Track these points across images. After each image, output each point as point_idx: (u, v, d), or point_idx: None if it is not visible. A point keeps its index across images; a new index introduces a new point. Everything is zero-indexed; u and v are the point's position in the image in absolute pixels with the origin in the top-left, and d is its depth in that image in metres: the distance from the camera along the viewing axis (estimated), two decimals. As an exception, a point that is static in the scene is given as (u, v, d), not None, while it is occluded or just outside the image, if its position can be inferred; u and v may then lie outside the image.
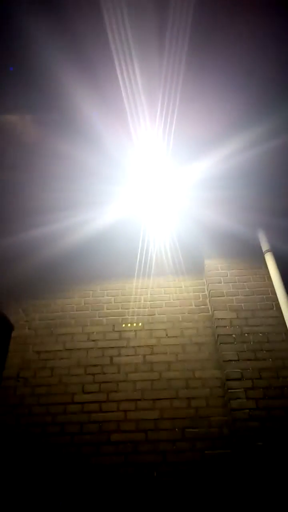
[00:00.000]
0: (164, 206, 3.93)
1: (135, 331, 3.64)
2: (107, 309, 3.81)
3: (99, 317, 3.75)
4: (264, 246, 3.88)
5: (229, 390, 3.02)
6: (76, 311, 3.79)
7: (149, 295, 3.91)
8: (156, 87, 2.60)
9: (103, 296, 3.91)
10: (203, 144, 3.23)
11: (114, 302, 3.87)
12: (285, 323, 3.35)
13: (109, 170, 3.30)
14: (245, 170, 3.34)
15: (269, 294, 3.62)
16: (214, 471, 2.79)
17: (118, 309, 3.81)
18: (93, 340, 3.57)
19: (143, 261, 4.17)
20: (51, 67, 2.68)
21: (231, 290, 3.69)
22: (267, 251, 3.82)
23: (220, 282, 3.77)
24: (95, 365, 3.40)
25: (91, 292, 3.95)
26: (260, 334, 3.33)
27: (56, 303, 3.86)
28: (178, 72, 2.63)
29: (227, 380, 3.08)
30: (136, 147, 3.09)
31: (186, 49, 2.47)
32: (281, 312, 3.44)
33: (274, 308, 3.50)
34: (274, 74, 2.61)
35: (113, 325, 3.68)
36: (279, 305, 3.48)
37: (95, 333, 3.63)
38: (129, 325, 3.67)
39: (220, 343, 3.31)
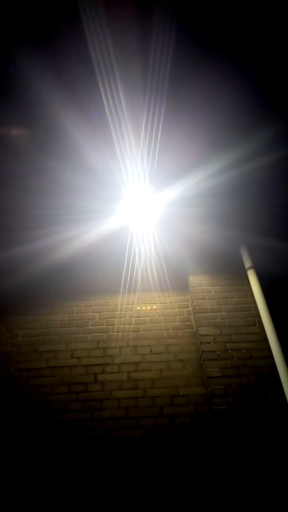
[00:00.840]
0: (149, 223, 3.98)
1: (120, 347, 3.63)
2: (92, 326, 3.79)
3: (83, 333, 3.72)
4: (247, 263, 3.96)
5: (213, 408, 3.03)
6: (60, 327, 3.76)
7: (134, 311, 3.92)
8: (140, 107, 2.67)
9: (88, 312, 3.90)
10: (187, 163, 3.31)
11: (99, 319, 3.86)
12: (267, 339, 3.41)
13: (94, 186, 3.34)
14: (228, 188, 3.44)
15: (251, 311, 3.68)
16: (198, 488, 2.77)
17: (103, 325, 3.80)
18: (77, 357, 3.54)
19: (128, 277, 4.19)
20: (34, 84, 2.71)
21: (215, 306, 3.74)
22: (250, 267, 3.90)
23: (204, 299, 3.81)
24: (78, 383, 3.36)
25: (75, 308, 3.93)
26: (243, 351, 3.38)
27: (39, 319, 3.82)
28: (162, 93, 2.71)
29: (211, 397, 3.09)
30: (121, 165, 3.15)
31: (168, 74, 2.56)
32: (263, 329, 3.49)
33: (257, 325, 3.56)
34: (252, 102, 2.74)
35: (98, 342, 3.67)
36: (262, 322, 3.54)
37: (79, 350, 3.60)
38: (113, 342, 3.66)
39: (204, 360, 3.33)
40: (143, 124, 2.75)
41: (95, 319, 3.85)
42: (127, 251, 4.23)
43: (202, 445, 2.98)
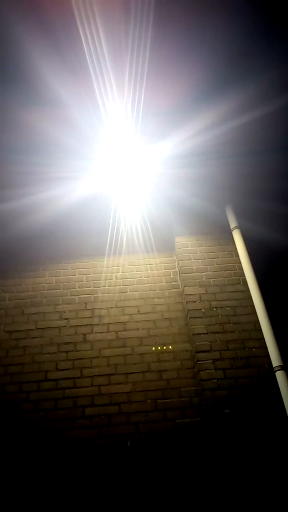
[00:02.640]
0: (134, 183, 3.91)
1: (108, 308, 3.68)
2: (79, 288, 3.82)
3: (71, 295, 3.75)
4: (232, 223, 3.98)
5: (198, 362, 3.15)
6: (48, 290, 3.77)
7: (120, 273, 3.95)
8: (123, 54, 2.51)
9: (75, 275, 3.91)
10: (172, 119, 3.19)
11: (86, 281, 3.87)
12: (251, 297, 3.50)
13: (77, 143, 3.20)
14: (214, 147, 3.36)
15: (236, 270, 3.75)
16: (185, 438, 2.94)
17: (90, 287, 3.83)
18: (66, 319, 3.59)
19: (114, 239, 4.18)
20: (9, 27, 2.49)
21: (201, 266, 3.79)
22: (235, 227, 3.93)
23: (190, 259, 3.85)
24: (68, 343, 3.43)
25: (62, 271, 3.93)
26: (228, 308, 3.47)
27: (26, 282, 3.81)
28: (145, 39, 2.55)
29: (197, 352, 3.21)
30: (104, 120, 3.00)
31: (152, 16, 2.39)
32: (248, 287, 3.58)
33: (241, 283, 3.64)
34: (244, 46, 2.59)
35: (86, 303, 3.71)
36: (246, 280, 3.62)
37: (67, 311, 3.64)
38: (101, 303, 3.70)
39: (190, 318, 3.42)
40: (127, 75, 2.60)
41: (82, 281, 3.87)
42: (112, 212, 4.18)
43: (188, 397, 3.13)
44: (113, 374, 3.27)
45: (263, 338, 3.26)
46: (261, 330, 3.31)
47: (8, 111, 2.81)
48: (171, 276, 3.93)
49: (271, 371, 3.09)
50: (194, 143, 3.29)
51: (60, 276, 3.89)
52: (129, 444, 2.92)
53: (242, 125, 3.13)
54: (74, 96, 2.76)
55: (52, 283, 3.82)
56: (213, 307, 3.49)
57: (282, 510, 2.48)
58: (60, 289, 3.79)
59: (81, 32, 2.39)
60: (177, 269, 3.97)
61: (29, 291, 3.75)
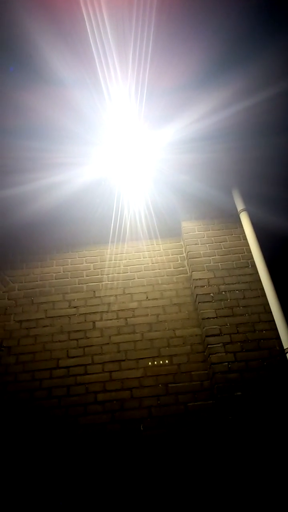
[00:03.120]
0: (137, 169, 3.86)
1: (116, 295, 3.68)
2: (87, 276, 3.82)
3: (79, 284, 3.76)
4: (239, 205, 3.92)
5: (208, 346, 3.15)
6: (56, 279, 3.78)
7: (127, 260, 3.94)
8: (126, 35, 2.44)
9: (82, 263, 3.91)
10: (176, 103, 3.12)
11: (93, 269, 3.87)
12: (260, 279, 3.47)
13: (80, 128, 3.14)
14: (218, 131, 3.28)
15: (244, 253, 3.71)
16: (197, 421, 2.97)
17: (98, 275, 3.83)
18: (75, 307, 3.60)
19: (121, 226, 4.15)
20: (9, 4, 2.42)
21: (208, 250, 3.75)
22: (242, 210, 3.87)
23: (197, 244, 3.82)
24: (78, 331, 3.45)
25: (69, 259, 3.93)
26: (237, 291, 3.45)
27: (34, 272, 3.83)
28: (150, 20, 2.46)
29: (207, 336, 3.21)
30: (107, 104, 2.94)
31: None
32: (256, 269, 3.55)
33: (250, 266, 3.61)
34: (249, 28, 2.49)
35: (94, 291, 3.71)
36: (254, 263, 3.58)
37: (76, 300, 3.65)
38: (109, 290, 3.71)
39: (199, 302, 3.41)
40: (130, 56, 2.53)
41: (89, 269, 3.87)
42: (116, 199, 4.15)
43: (199, 381, 3.14)
44: (124, 360, 3.29)
45: (273, 320, 3.24)
46: (271, 312, 3.28)
47: (9, 92, 2.75)
48: (179, 261, 3.91)
49: (282, 352, 3.07)
50: (198, 127, 3.21)
51: (68, 265, 3.89)
52: (141, 428, 2.95)
53: (246, 108, 3.04)
54: (77, 78, 2.70)
55: (60, 272, 3.83)
56: (222, 291, 3.47)
57: (296, 489, 2.49)
58: (68, 278, 3.80)
59: (84, 11, 2.31)
60: (184, 254, 3.94)
61: (37, 281, 3.77)
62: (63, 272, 3.84)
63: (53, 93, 2.79)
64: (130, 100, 2.87)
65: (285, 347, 3.05)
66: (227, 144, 3.56)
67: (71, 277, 3.80)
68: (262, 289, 3.43)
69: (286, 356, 3.03)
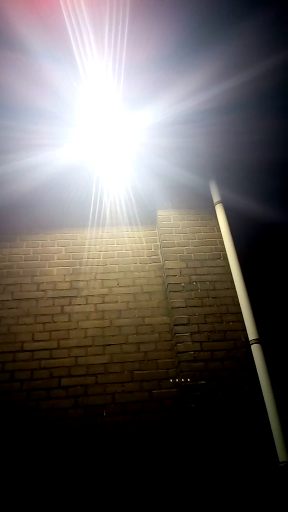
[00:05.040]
0: (117, 152, 3.78)
1: (87, 281, 3.62)
2: (58, 259, 3.73)
3: (49, 267, 3.67)
4: (215, 197, 3.93)
5: (176, 334, 3.16)
6: (25, 261, 3.67)
7: (101, 246, 3.87)
8: (102, 9, 2.32)
9: (53, 246, 3.81)
10: (155, 83, 3.02)
11: (65, 252, 3.79)
12: (231, 272, 3.50)
13: (55, 108, 3.02)
14: (198, 115, 3.23)
15: (217, 245, 3.73)
16: (160, 407, 2.98)
17: (69, 259, 3.75)
18: (43, 290, 3.52)
19: (95, 211, 4.07)
20: None
21: (182, 240, 3.75)
22: (218, 202, 3.88)
23: (171, 233, 3.80)
24: (45, 314, 3.38)
25: (40, 242, 3.82)
26: (207, 282, 3.47)
27: (2, 252, 3.70)
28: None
29: (175, 325, 3.21)
30: (83, 82, 2.83)
31: None
32: (228, 262, 3.57)
33: (222, 258, 3.63)
34: (230, 5, 2.42)
35: (64, 275, 3.63)
36: (226, 255, 3.61)
37: (44, 283, 3.56)
38: (80, 275, 3.64)
39: (170, 291, 3.41)
40: (106, 33, 2.43)
41: (61, 252, 3.78)
42: (94, 183, 4.06)
43: (164, 369, 3.15)
44: (91, 346, 3.25)
45: (240, 312, 3.28)
46: (239, 304, 3.33)
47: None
48: (152, 249, 3.89)
49: (247, 344, 3.13)
50: (178, 110, 3.15)
51: (38, 247, 3.78)
52: (104, 414, 2.94)
53: (226, 90, 3.00)
54: (50, 54, 2.56)
55: (29, 254, 3.72)
56: (193, 281, 3.48)
57: (251, 474, 2.56)
58: (37, 260, 3.69)
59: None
60: (158, 243, 3.92)
61: (5, 261, 3.65)
62: (33, 254, 3.73)
63: (24, 69, 2.65)
64: (107, 79, 2.76)
65: (250, 339, 3.10)
66: (206, 129, 3.50)
67: (41, 260, 3.70)
68: (232, 281, 3.46)
69: (251, 348, 3.08)
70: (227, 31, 2.59)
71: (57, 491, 2.61)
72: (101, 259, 3.78)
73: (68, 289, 3.55)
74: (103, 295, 3.55)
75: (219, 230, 3.81)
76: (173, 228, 3.84)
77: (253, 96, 3.12)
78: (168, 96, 3.00)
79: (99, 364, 3.16)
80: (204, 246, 3.72)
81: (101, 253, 3.83)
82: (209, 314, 3.29)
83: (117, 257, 3.81)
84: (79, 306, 3.46)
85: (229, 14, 2.48)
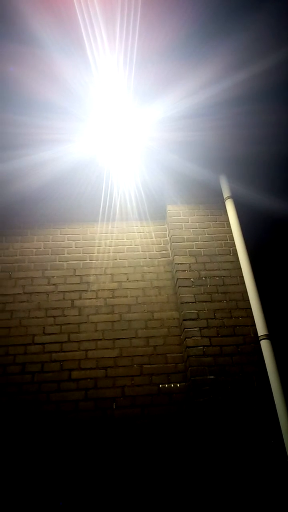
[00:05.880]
0: (127, 147, 3.77)
1: (97, 275, 3.65)
2: (68, 254, 3.76)
3: (59, 261, 3.70)
4: (225, 192, 3.91)
5: (185, 329, 3.18)
6: (36, 255, 3.71)
7: (111, 240, 3.89)
8: (114, 4, 2.31)
9: (64, 241, 3.84)
10: (165, 78, 2.99)
11: (75, 247, 3.82)
12: (240, 267, 3.50)
13: (66, 102, 3.02)
14: (209, 109, 3.20)
15: (227, 240, 3.72)
16: (169, 401, 3.01)
17: (80, 253, 3.78)
18: (54, 284, 3.56)
19: (105, 205, 4.09)
20: None
21: (192, 236, 3.75)
22: (228, 197, 3.86)
23: (181, 228, 3.80)
24: (55, 308, 3.42)
25: (51, 236, 3.86)
26: (217, 278, 3.47)
27: (14, 246, 3.75)
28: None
29: (184, 320, 3.23)
30: (95, 77, 2.82)
31: None
32: (237, 257, 3.56)
33: (231, 254, 3.62)
34: None
35: (74, 270, 3.67)
36: (236, 251, 3.60)
37: (55, 277, 3.60)
38: (90, 269, 3.67)
39: (179, 287, 3.42)
40: (118, 28, 2.41)
41: (71, 247, 3.81)
42: (104, 178, 4.06)
43: (173, 363, 3.18)
44: (101, 340, 3.29)
45: (250, 308, 3.28)
46: (248, 300, 3.33)
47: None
48: (162, 244, 3.89)
49: (256, 339, 3.13)
50: (189, 104, 3.12)
51: (49, 241, 3.82)
52: (114, 407, 2.98)
53: (237, 84, 2.95)
54: (62, 49, 2.56)
55: (40, 248, 3.76)
56: (202, 277, 3.48)
57: (259, 469, 2.58)
58: (48, 255, 3.73)
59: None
60: (167, 238, 3.92)
61: (16, 255, 3.69)
62: (44, 248, 3.77)
63: (36, 63, 2.65)
64: (118, 72, 2.75)
65: (259, 335, 3.10)
66: (215, 122, 3.46)
67: (51, 254, 3.74)
68: (242, 276, 3.46)
69: (260, 343, 3.08)
70: (238, 23, 2.55)
71: (68, 482, 2.66)
72: (111, 253, 3.81)
73: (78, 283, 3.59)
74: (113, 290, 3.57)
75: (229, 226, 3.80)
76: (183, 223, 3.84)
77: (263, 89, 3.07)
78: (179, 90, 2.98)
79: (108, 357, 3.20)
80: (213, 241, 3.71)
81: (111, 247, 3.85)
82: (218, 309, 3.30)
83: (127, 252, 3.83)
84: (89, 300, 3.49)
85: (240, 6, 2.44)
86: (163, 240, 3.93)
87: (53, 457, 2.75)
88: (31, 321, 3.33)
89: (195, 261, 3.58)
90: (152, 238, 3.94)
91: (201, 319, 3.24)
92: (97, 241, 3.88)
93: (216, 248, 3.66)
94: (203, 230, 3.79)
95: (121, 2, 2.30)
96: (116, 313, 3.43)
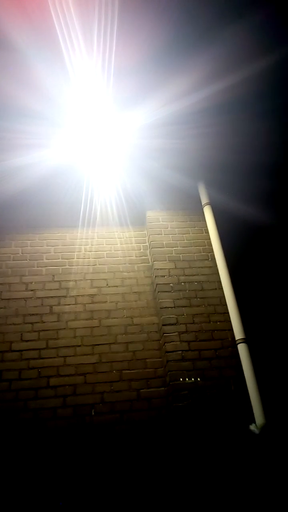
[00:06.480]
0: (107, 153, 3.79)
1: (76, 281, 3.63)
2: (47, 259, 3.73)
3: (38, 267, 3.66)
4: (204, 199, 3.98)
5: (164, 334, 3.20)
6: (13, 260, 3.66)
7: (91, 246, 3.89)
8: (90, 8, 2.32)
9: (42, 246, 3.81)
10: (145, 84, 3.02)
11: (54, 252, 3.79)
12: (218, 272, 3.56)
13: (44, 107, 3.01)
14: (189, 116, 3.26)
15: (205, 246, 3.78)
16: (148, 406, 3.01)
17: (59, 259, 3.75)
18: (32, 290, 3.51)
19: (85, 211, 4.08)
20: None
21: (171, 241, 3.79)
22: (206, 204, 3.93)
23: (160, 234, 3.84)
24: (33, 314, 3.38)
25: (29, 241, 3.81)
26: (196, 283, 3.52)
27: (-9, 252, 3.68)
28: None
29: (163, 325, 3.25)
30: (72, 82, 2.82)
31: None
32: (215, 263, 3.63)
33: (209, 259, 3.69)
34: (221, 7, 2.45)
35: (53, 275, 3.64)
36: (214, 256, 3.66)
37: (33, 283, 3.56)
38: (69, 275, 3.65)
39: (158, 292, 3.45)
40: (96, 32, 2.43)
41: (50, 252, 3.78)
42: (84, 183, 4.06)
43: (153, 368, 3.19)
44: (80, 346, 3.26)
45: (227, 312, 3.34)
46: (226, 304, 3.38)
47: None
48: (141, 250, 3.92)
49: (234, 343, 3.19)
50: (169, 111, 3.18)
51: (27, 246, 3.77)
52: (93, 413, 2.96)
53: (215, 93, 3.03)
54: (38, 52, 2.55)
55: (18, 254, 3.71)
56: (181, 282, 3.52)
57: (237, 473, 2.62)
58: (26, 260, 3.69)
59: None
60: (147, 244, 3.95)
61: (-7, 261, 3.63)
62: (22, 253, 3.72)
63: (12, 68, 2.63)
64: (97, 79, 2.76)
65: (237, 338, 3.16)
66: (195, 130, 3.53)
67: (29, 260, 3.69)
68: (220, 282, 3.52)
69: (237, 347, 3.14)
70: (217, 34, 2.63)
71: (47, 491, 2.62)
72: (90, 259, 3.80)
73: (57, 289, 3.56)
74: (92, 295, 3.56)
75: (207, 231, 3.87)
76: (162, 229, 3.88)
77: (242, 99, 3.17)
78: (159, 98, 3.02)
79: (88, 363, 3.18)
80: (192, 247, 3.77)
81: (91, 253, 3.84)
82: (197, 314, 3.34)
83: (107, 257, 3.83)
84: (68, 306, 3.47)
85: (219, 16, 2.51)
86: (142, 245, 3.96)
87: (31, 466, 2.69)
88: (8, 328, 3.28)
89: (174, 267, 3.62)
90: (132, 243, 3.96)
91: (180, 324, 3.27)
92: (76, 246, 3.86)
93: (195, 254, 3.72)
94: (182, 236, 3.85)
95: (98, 8, 2.33)
96: (95, 319, 3.42)
